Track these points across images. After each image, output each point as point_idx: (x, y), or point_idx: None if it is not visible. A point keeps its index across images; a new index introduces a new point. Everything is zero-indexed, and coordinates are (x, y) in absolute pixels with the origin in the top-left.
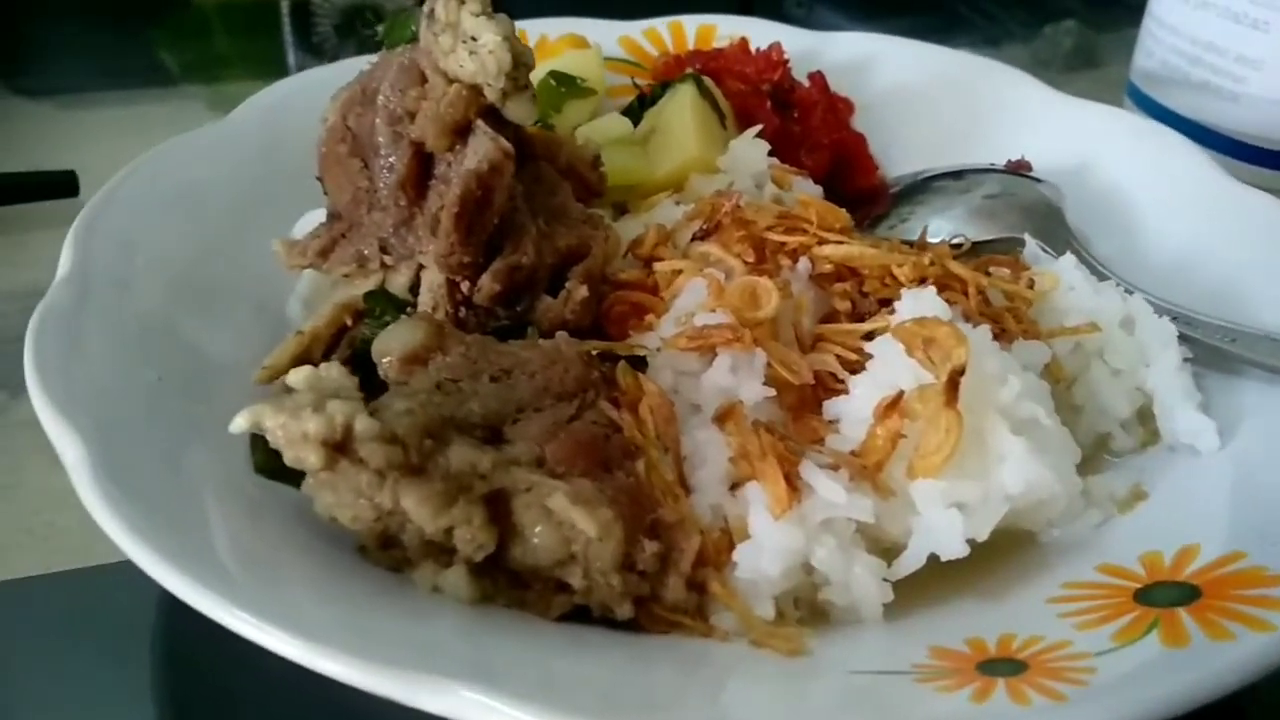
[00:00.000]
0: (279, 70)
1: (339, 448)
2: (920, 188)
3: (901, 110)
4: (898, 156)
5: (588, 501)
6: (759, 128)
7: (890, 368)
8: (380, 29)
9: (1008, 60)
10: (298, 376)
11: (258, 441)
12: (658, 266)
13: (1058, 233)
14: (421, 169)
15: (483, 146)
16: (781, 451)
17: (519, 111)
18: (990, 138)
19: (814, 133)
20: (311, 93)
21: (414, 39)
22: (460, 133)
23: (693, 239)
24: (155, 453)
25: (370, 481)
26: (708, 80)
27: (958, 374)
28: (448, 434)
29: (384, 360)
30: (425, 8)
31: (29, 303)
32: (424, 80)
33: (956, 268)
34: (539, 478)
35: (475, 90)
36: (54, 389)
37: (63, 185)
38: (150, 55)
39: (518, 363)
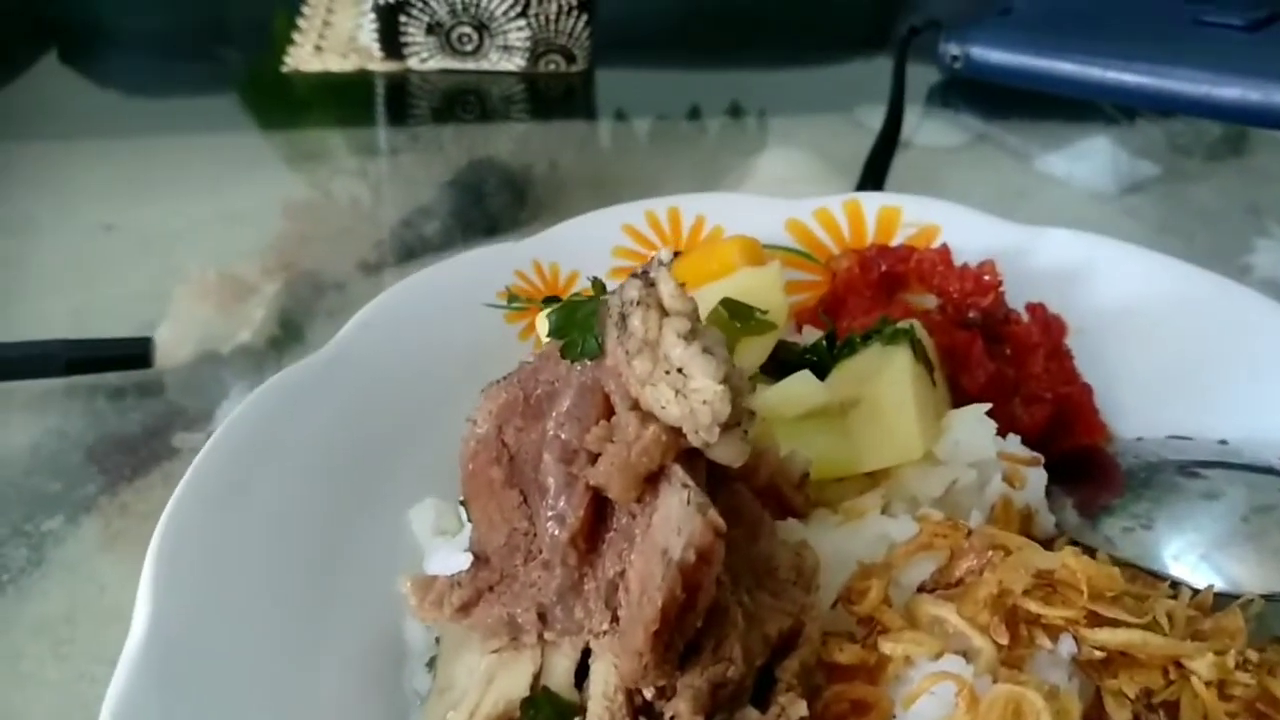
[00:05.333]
0: (369, 150)
1: None
2: (1159, 479)
3: (1120, 337)
4: (1117, 399)
5: None
6: (986, 406)
7: None
8: (550, 312)
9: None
10: None
11: None
12: (887, 647)
13: None
14: (597, 520)
15: (689, 523)
16: None
17: (728, 454)
18: (1229, 386)
19: (1034, 382)
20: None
21: (598, 349)
22: (651, 479)
23: (920, 588)
24: None
25: None
26: (921, 331)
27: None
28: None
29: None
30: (613, 310)
31: None
32: (609, 411)
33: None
34: None
35: (676, 433)
36: None
37: (136, 357)
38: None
39: None
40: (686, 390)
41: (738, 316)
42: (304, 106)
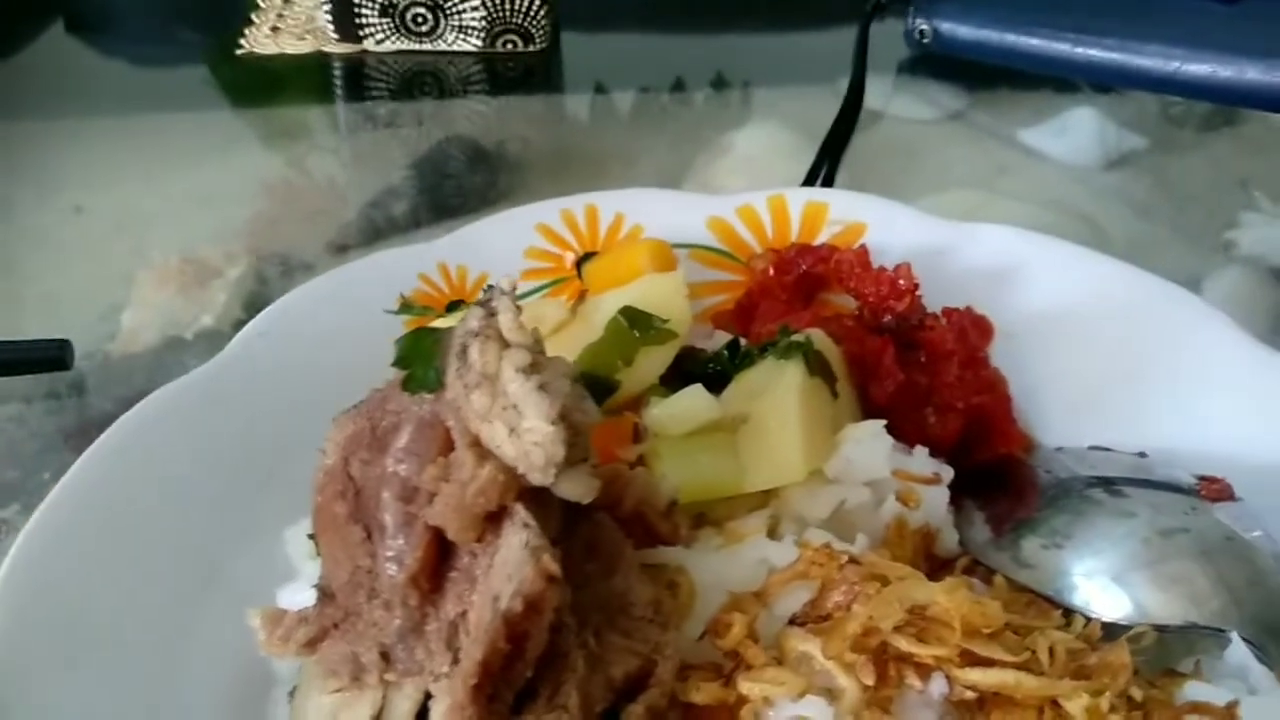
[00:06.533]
0: (336, 131)
1: None
2: (1078, 496)
3: (1050, 341)
4: (1042, 406)
5: None
6: (880, 424)
7: None
8: (398, 339)
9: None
10: None
11: None
12: (746, 687)
13: (1278, 629)
14: (439, 559)
15: (519, 570)
16: None
17: (573, 491)
18: (1160, 393)
19: (946, 391)
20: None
21: (438, 382)
22: (493, 518)
23: (790, 620)
24: None
25: None
26: (820, 341)
27: None
28: None
29: None
30: (456, 341)
31: None
32: (449, 447)
33: None
34: None
35: (515, 471)
36: None
37: (52, 360)
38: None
39: None
40: (520, 429)
41: (637, 325)
42: (267, 88)
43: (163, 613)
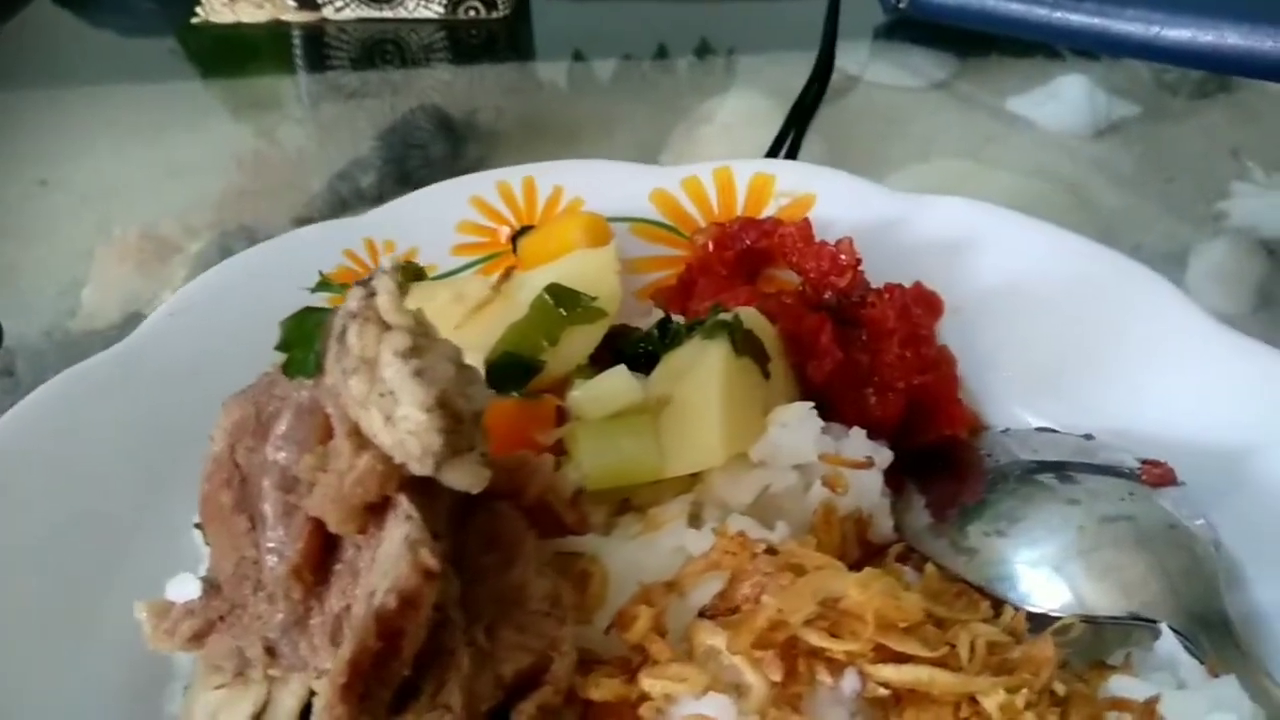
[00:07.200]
0: (302, 102)
1: None
2: (1018, 482)
3: (1002, 315)
4: (992, 383)
5: None
6: (808, 406)
7: None
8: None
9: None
10: None
11: None
12: (648, 684)
13: (1212, 621)
14: (323, 550)
15: (397, 565)
16: None
17: (460, 481)
18: (1118, 374)
19: (887, 370)
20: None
21: (318, 367)
22: (375, 509)
23: (701, 612)
24: None
25: None
26: (751, 320)
27: None
28: None
29: None
30: (336, 324)
31: None
32: (329, 435)
33: None
34: None
35: (394, 462)
36: None
37: None
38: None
39: None
40: (395, 417)
41: (563, 303)
42: (233, 58)
43: (61, 603)
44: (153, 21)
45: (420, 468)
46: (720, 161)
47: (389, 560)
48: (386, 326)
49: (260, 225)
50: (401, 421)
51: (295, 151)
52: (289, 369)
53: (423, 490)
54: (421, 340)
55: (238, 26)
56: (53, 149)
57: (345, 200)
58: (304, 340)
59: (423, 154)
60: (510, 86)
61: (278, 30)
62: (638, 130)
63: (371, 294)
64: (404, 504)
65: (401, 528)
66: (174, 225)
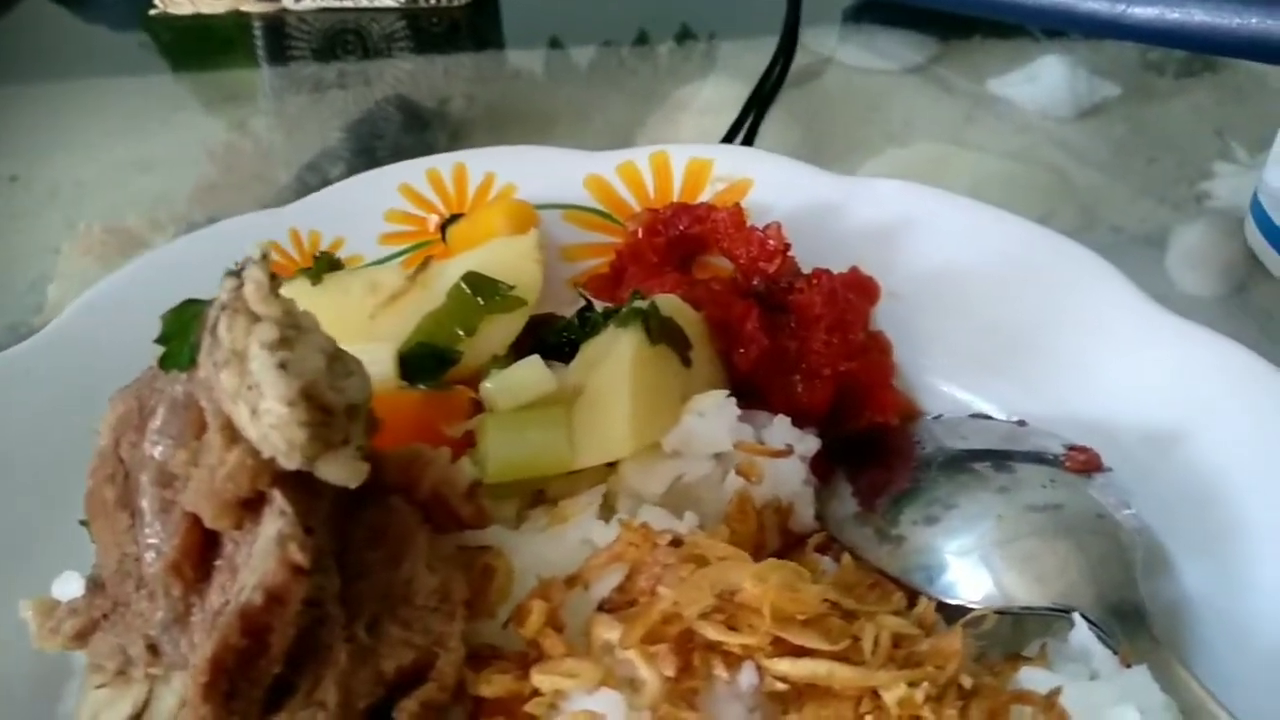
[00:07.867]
0: (253, 97)
1: None
2: (953, 468)
3: (941, 300)
4: (929, 368)
5: None
6: (724, 394)
7: None
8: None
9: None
10: None
11: None
12: (539, 679)
13: (1126, 611)
14: (203, 546)
15: (266, 560)
16: None
17: (337, 475)
18: (1056, 359)
19: (813, 358)
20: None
21: (191, 359)
22: (251, 504)
23: (600, 606)
24: None
25: None
26: (672, 307)
27: None
28: None
29: None
30: (210, 316)
31: None
32: (203, 428)
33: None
34: None
35: (264, 456)
36: None
37: None
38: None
39: None
40: (260, 411)
41: (481, 292)
42: (199, 51)
43: None
44: (116, 14)
45: (288, 462)
46: (656, 146)
47: (258, 556)
48: (256, 318)
49: (226, 218)
50: (265, 415)
51: (264, 144)
52: (165, 362)
53: (301, 485)
54: (290, 332)
55: (197, 17)
56: (24, 144)
57: (313, 192)
58: (181, 332)
59: (392, 144)
60: (483, 75)
61: (239, 21)
62: (612, 117)
63: (240, 284)
64: (278, 499)
65: (275, 523)
66: (140, 219)
